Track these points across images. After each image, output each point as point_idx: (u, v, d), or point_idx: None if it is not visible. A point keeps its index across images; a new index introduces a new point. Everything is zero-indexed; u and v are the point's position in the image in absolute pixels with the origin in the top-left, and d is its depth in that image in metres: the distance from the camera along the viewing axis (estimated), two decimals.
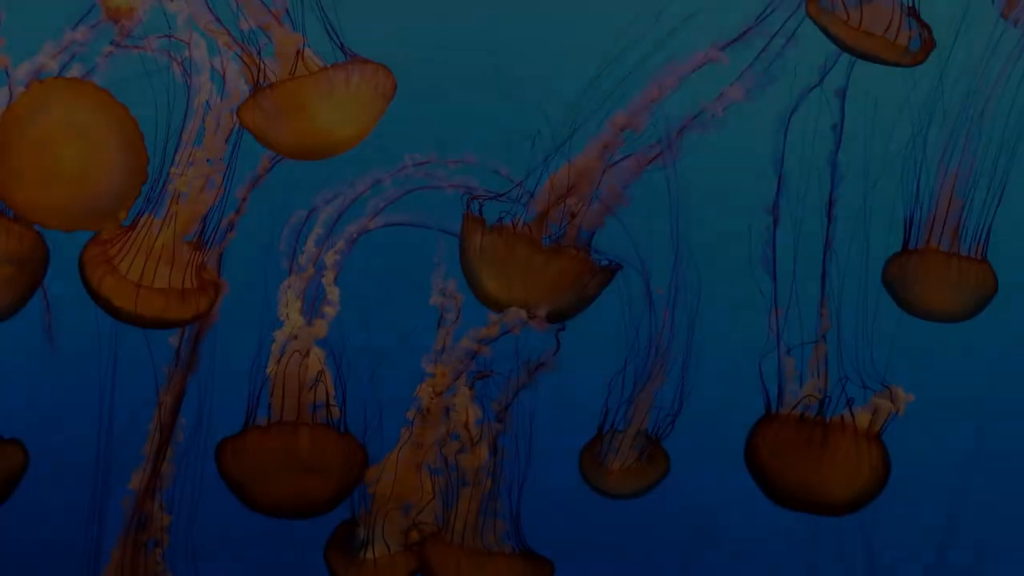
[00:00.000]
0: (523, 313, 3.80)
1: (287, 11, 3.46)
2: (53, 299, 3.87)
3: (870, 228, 3.85)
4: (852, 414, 3.76)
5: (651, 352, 3.99)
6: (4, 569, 4.38)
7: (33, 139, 3.30)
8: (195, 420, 3.96)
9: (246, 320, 3.86)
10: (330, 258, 3.86)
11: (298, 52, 3.46)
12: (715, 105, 3.74)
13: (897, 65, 3.71)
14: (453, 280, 3.91)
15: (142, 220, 3.60)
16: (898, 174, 3.85)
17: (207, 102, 3.55)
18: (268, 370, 3.80)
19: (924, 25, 3.72)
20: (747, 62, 3.73)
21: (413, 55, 3.71)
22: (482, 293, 3.88)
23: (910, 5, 3.70)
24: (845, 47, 3.71)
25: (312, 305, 3.87)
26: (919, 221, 3.90)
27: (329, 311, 3.85)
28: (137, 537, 4.05)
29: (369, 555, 3.95)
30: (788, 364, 3.84)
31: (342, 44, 3.48)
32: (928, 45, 3.73)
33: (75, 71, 3.50)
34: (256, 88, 3.43)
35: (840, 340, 3.83)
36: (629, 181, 3.82)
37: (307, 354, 3.80)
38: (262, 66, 3.45)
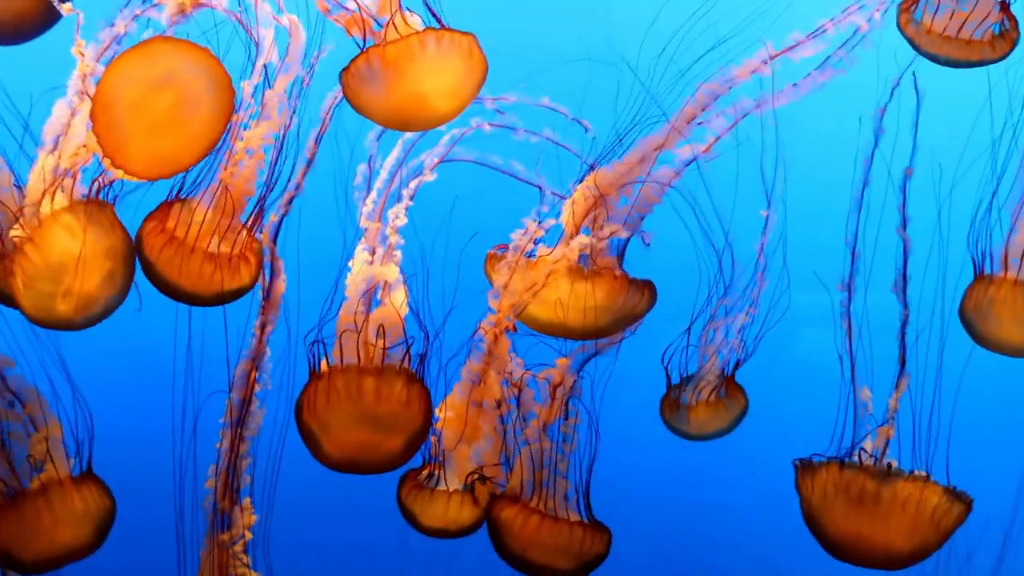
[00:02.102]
0: (585, 240, 3.83)
1: None
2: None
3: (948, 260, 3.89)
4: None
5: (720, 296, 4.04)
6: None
7: (127, 106, 3.54)
8: (276, 394, 4.02)
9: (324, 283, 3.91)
10: (397, 219, 3.91)
11: (394, 14, 3.60)
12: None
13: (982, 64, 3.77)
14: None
15: (196, 197, 3.75)
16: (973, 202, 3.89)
17: (266, 65, 3.69)
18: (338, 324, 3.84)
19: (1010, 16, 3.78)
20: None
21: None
22: (534, 324, 3.97)
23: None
24: (933, 58, 3.80)
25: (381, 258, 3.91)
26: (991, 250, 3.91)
27: (396, 261, 3.90)
28: (221, 537, 4.10)
29: (438, 492, 3.99)
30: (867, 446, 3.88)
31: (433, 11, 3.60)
32: (1010, 34, 3.78)
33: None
34: (360, 53, 3.57)
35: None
36: (663, 191, 3.89)
37: (382, 299, 3.86)
38: (365, 28, 3.60)
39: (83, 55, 3.57)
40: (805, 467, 3.86)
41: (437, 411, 3.93)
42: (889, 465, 3.79)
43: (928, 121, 3.83)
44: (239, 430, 4.02)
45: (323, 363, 3.82)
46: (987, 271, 3.89)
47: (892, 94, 3.81)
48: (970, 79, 3.83)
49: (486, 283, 3.97)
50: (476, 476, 3.96)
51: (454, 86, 3.61)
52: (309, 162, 3.85)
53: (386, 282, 3.86)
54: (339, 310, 3.85)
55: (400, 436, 3.82)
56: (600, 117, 3.86)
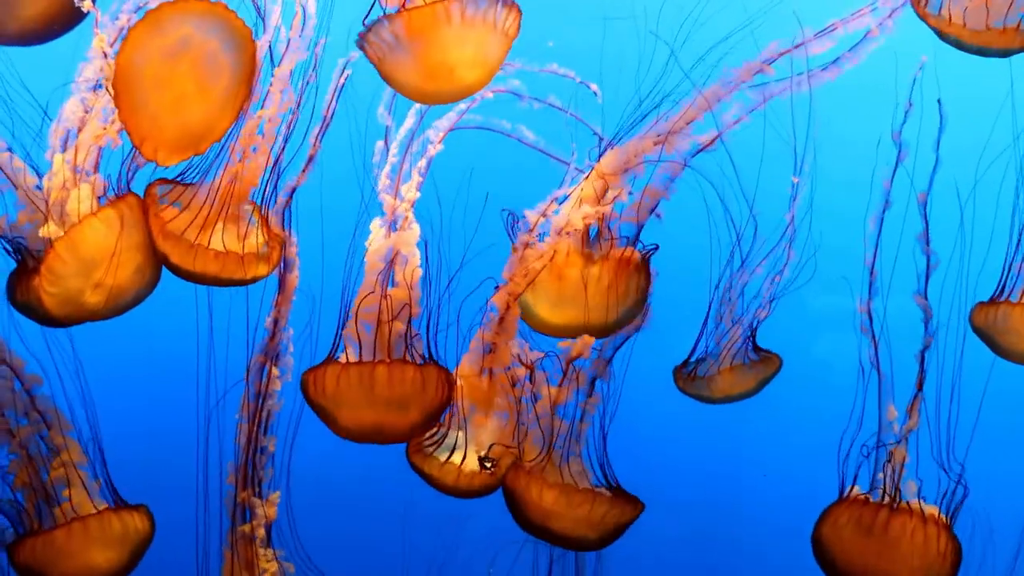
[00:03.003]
0: (591, 210, 3.80)
1: None
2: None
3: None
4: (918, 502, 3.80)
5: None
6: None
7: (149, 82, 3.47)
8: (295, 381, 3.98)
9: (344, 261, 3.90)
10: (410, 193, 3.88)
11: None
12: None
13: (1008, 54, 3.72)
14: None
15: (202, 182, 3.71)
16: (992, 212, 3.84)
17: (270, 45, 3.62)
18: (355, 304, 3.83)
19: None
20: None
21: None
22: (540, 325, 3.96)
23: None
24: (958, 45, 3.73)
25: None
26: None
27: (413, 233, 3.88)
28: (244, 531, 4.08)
29: (456, 460, 3.96)
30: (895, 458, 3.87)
31: None
32: None
33: None
34: (378, 19, 3.51)
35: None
36: (672, 180, 3.87)
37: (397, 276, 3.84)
38: None
39: (106, 53, 3.53)
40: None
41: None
42: (895, 495, 3.76)
43: (950, 115, 3.81)
44: (255, 424, 4.01)
45: (343, 353, 3.81)
46: (1008, 286, 3.86)
47: (906, 117, 3.80)
48: (992, 73, 3.79)
49: (500, 250, 3.95)
50: (486, 456, 3.93)
51: (480, 56, 3.57)
52: (313, 156, 3.82)
53: (399, 252, 3.84)
54: (358, 290, 3.85)
55: (416, 412, 3.81)
56: (622, 85, 3.84)
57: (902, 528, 3.76)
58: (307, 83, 3.70)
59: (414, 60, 3.53)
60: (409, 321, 3.84)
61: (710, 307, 4.07)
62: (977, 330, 3.90)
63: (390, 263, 3.83)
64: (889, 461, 3.82)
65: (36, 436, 3.82)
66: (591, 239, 3.90)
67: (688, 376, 4.15)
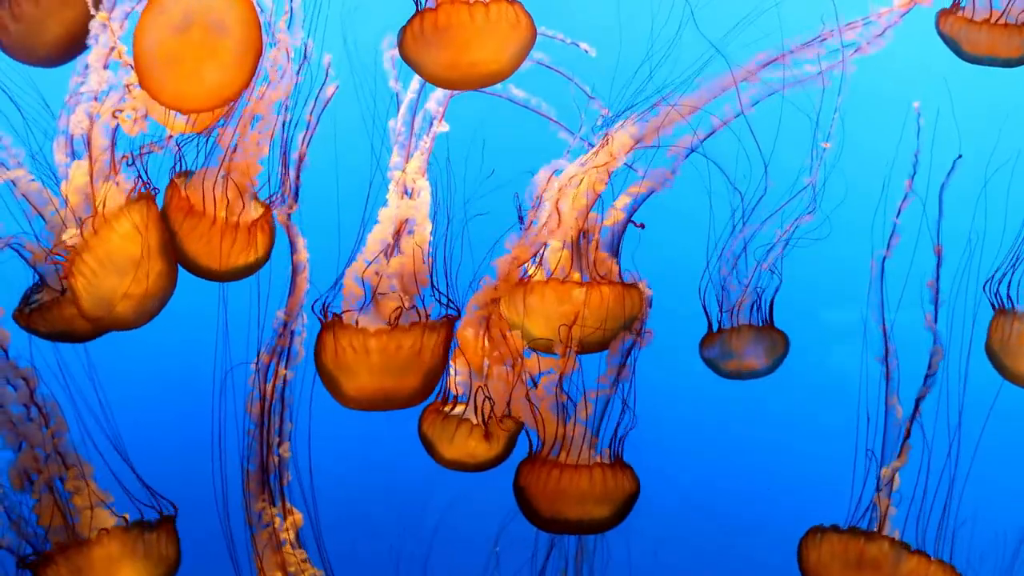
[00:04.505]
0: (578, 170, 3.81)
1: None
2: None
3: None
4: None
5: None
6: None
7: (165, 59, 3.53)
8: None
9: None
10: (414, 167, 3.91)
11: None
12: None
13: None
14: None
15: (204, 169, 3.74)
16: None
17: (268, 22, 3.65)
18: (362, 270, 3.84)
19: None
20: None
21: None
22: (536, 343, 3.96)
23: None
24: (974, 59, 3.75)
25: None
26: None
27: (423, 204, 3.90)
28: (265, 537, 4.06)
29: (451, 419, 3.92)
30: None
31: None
32: None
33: None
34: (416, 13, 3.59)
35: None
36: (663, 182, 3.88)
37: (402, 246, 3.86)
38: None
39: (130, 63, 3.57)
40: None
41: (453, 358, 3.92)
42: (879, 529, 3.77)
43: (962, 120, 3.82)
44: (268, 429, 4.01)
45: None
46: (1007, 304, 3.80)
47: (915, 169, 3.80)
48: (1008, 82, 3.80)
49: (504, 221, 3.96)
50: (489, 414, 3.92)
51: (501, 53, 3.62)
52: (303, 156, 3.86)
53: (408, 220, 3.86)
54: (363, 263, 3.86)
55: (416, 377, 3.81)
56: (631, 60, 3.84)
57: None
58: (302, 69, 3.77)
59: (439, 54, 3.61)
60: (416, 290, 3.86)
61: (721, 254, 4.07)
62: (991, 351, 3.85)
63: (397, 231, 3.85)
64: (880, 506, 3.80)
65: (56, 479, 3.81)
66: (579, 241, 3.92)
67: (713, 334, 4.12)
